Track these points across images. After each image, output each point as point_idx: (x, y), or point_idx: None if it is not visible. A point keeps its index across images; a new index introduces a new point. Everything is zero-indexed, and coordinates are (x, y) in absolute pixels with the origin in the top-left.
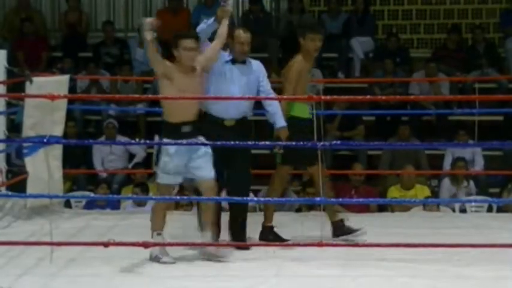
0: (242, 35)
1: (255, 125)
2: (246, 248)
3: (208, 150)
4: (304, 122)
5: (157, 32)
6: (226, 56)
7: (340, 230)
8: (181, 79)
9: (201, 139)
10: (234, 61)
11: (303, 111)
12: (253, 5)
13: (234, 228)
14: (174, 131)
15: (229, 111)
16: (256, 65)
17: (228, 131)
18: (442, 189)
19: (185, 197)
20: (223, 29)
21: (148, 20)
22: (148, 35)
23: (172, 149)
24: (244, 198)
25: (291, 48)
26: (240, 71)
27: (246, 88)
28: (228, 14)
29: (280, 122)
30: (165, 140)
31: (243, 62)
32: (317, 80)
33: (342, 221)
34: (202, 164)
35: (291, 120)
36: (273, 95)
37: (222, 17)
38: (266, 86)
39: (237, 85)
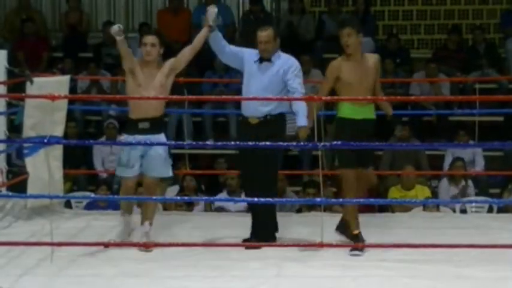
0: (259, 34)
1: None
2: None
3: (163, 151)
4: (349, 122)
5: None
6: (255, 55)
7: (343, 229)
8: (142, 74)
9: (160, 137)
10: (261, 60)
11: (349, 112)
12: (253, 6)
13: (256, 228)
14: (132, 127)
15: (250, 109)
16: (284, 62)
17: (253, 129)
18: (441, 190)
19: (185, 197)
20: (199, 36)
21: (116, 28)
22: (119, 37)
23: (126, 141)
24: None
25: (291, 49)
26: (263, 70)
27: (267, 86)
28: (208, 22)
29: (300, 121)
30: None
31: (269, 60)
32: (317, 80)
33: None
34: (154, 162)
35: (337, 121)
36: (298, 93)
37: (204, 25)
38: (292, 83)
39: (257, 83)
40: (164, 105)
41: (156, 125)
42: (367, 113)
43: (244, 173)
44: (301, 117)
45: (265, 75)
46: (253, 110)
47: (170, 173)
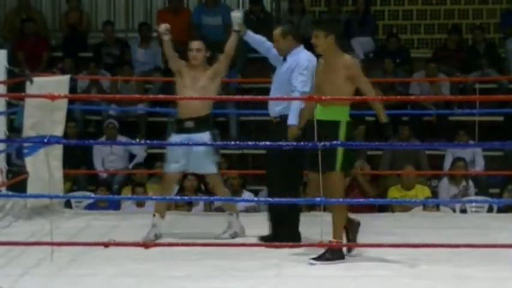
0: (274, 32)
1: (255, 125)
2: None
3: (206, 148)
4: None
5: (158, 32)
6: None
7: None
8: (188, 76)
9: (203, 136)
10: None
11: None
12: (253, 6)
13: (274, 227)
14: (179, 126)
15: (269, 109)
16: (293, 60)
17: (274, 128)
18: (441, 189)
19: (185, 197)
20: (228, 42)
21: (164, 26)
22: (166, 37)
23: (173, 139)
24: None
25: None
26: (278, 69)
27: (278, 85)
28: (234, 27)
29: (290, 119)
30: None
31: (285, 59)
32: None
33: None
34: (197, 160)
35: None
36: (296, 92)
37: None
38: (294, 81)
39: (273, 83)
40: (210, 106)
41: (201, 124)
42: (328, 114)
43: (267, 172)
44: (292, 115)
45: (278, 75)
46: (270, 109)
47: (214, 170)
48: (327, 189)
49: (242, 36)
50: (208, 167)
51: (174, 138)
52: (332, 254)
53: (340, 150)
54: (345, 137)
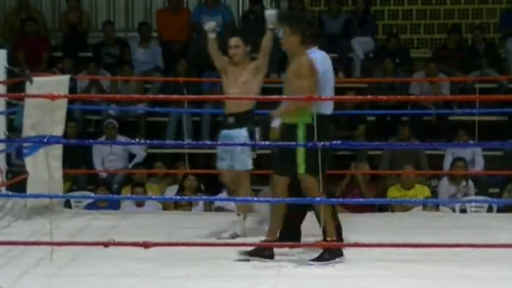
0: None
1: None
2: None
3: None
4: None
5: (158, 32)
6: None
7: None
8: (230, 73)
9: (241, 131)
10: None
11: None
12: (253, 5)
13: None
14: (224, 122)
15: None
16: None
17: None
18: (441, 189)
19: (185, 197)
20: (264, 40)
21: (210, 24)
22: (212, 35)
23: (220, 135)
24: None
25: None
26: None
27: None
28: (268, 26)
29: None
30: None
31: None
32: None
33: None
34: (235, 156)
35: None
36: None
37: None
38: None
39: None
40: (251, 102)
41: (240, 119)
42: (286, 117)
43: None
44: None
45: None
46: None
47: (249, 166)
48: (305, 193)
49: (276, 33)
50: (243, 163)
51: (222, 133)
52: (330, 254)
53: (300, 153)
54: (304, 140)
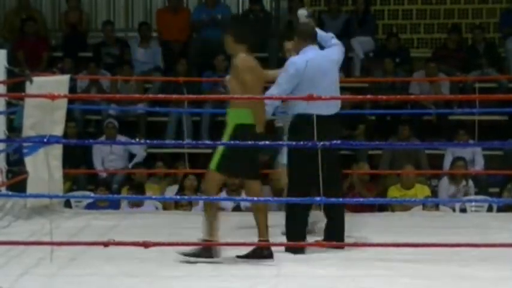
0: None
1: None
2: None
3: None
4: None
5: (158, 32)
6: None
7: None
8: None
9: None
10: None
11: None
12: (253, 5)
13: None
14: None
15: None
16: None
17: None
18: (441, 189)
19: (185, 197)
20: None
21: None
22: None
23: None
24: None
25: None
26: None
27: None
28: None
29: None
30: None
31: None
32: None
33: None
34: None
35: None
36: (271, 90)
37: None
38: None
39: None
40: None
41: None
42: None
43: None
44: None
45: None
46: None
47: (285, 161)
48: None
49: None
50: (285, 157)
51: None
52: (202, 252)
53: (219, 151)
54: (229, 139)
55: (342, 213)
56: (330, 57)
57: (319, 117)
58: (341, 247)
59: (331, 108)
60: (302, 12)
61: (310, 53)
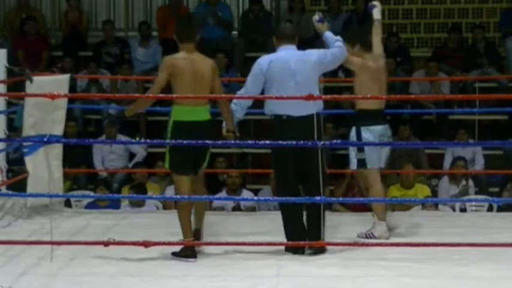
0: None
1: (255, 125)
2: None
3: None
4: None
5: (158, 31)
6: None
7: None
8: None
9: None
10: None
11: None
12: (253, 4)
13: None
14: None
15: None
16: None
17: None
18: (441, 188)
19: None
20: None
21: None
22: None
23: None
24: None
25: None
26: None
27: None
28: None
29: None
30: None
31: None
32: None
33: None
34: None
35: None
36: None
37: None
38: None
39: None
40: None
41: (353, 118)
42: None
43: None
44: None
45: None
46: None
47: (354, 166)
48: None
49: (322, 36)
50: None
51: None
52: (182, 251)
53: (166, 150)
54: (170, 137)
55: (318, 212)
56: (304, 58)
57: (289, 117)
58: (338, 245)
59: (301, 109)
60: (315, 18)
61: (281, 53)
